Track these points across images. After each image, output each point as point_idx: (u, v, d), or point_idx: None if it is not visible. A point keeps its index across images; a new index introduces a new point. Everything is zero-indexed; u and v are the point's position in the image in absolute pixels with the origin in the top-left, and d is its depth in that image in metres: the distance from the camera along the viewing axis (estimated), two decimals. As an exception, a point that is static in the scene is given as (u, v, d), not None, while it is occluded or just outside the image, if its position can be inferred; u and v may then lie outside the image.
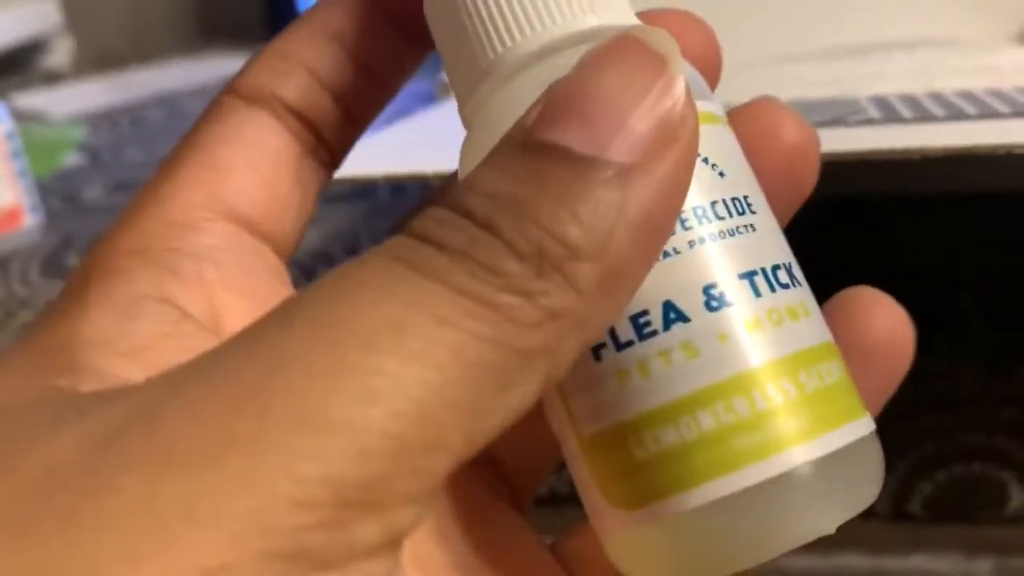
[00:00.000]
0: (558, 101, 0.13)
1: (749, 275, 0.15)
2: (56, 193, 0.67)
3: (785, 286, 0.16)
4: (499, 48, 0.16)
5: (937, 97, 0.32)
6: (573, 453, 0.16)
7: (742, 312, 0.15)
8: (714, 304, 0.15)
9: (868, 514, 0.30)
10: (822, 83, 0.37)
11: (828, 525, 0.15)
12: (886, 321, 0.18)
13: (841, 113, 0.31)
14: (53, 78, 0.98)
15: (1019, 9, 0.49)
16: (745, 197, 0.16)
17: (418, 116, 0.40)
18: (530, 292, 0.13)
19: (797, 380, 0.15)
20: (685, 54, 0.17)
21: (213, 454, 0.11)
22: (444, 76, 0.19)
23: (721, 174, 0.16)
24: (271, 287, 0.17)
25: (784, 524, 0.15)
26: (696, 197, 0.15)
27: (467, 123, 0.17)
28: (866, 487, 0.16)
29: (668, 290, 0.15)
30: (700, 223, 0.15)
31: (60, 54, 1.03)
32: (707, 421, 0.15)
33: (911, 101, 0.32)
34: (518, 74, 0.16)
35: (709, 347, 0.15)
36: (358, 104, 0.18)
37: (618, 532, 0.15)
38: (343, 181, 0.22)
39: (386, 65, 0.18)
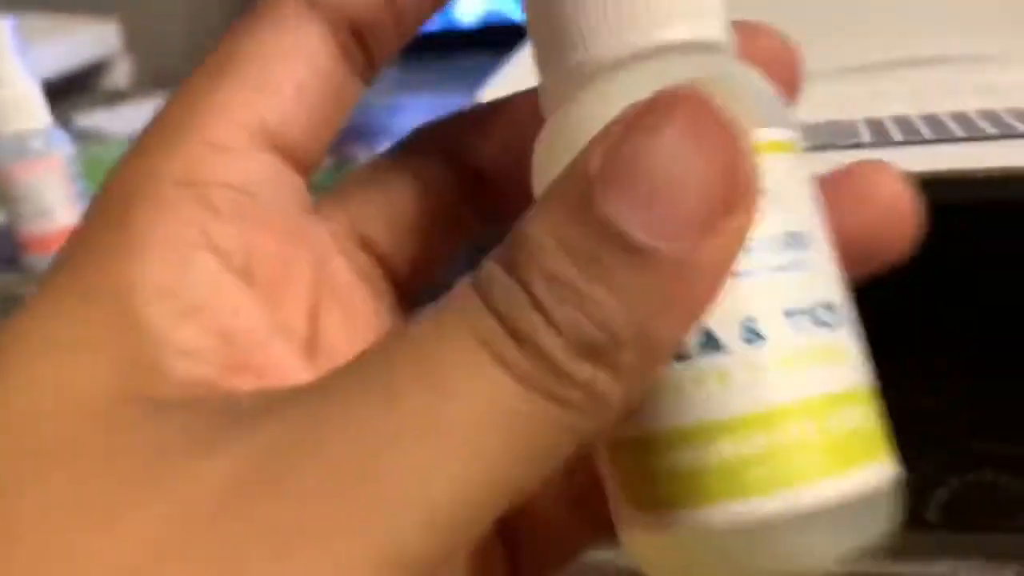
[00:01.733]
0: (620, 163, 0.14)
1: (790, 313, 0.15)
2: (116, 211, 0.69)
3: (826, 326, 0.16)
4: (588, 49, 0.16)
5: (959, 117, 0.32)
6: (599, 449, 0.17)
7: (777, 349, 0.15)
8: (751, 337, 0.15)
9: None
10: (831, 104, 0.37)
11: (827, 564, 0.15)
12: (889, 188, 0.18)
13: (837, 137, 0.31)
14: (114, 97, 1.01)
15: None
16: (801, 232, 0.16)
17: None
18: (580, 382, 0.14)
19: (820, 421, 0.15)
20: (769, 71, 0.17)
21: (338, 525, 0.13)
22: (482, 92, 0.19)
23: (780, 207, 0.16)
24: (298, 224, 0.18)
25: (784, 556, 0.15)
26: None
27: (545, 107, 0.17)
28: (875, 530, 0.16)
29: (709, 317, 0.15)
30: (750, 255, 0.15)
31: (120, 75, 1.06)
32: (726, 450, 0.15)
33: (933, 121, 0.32)
34: (603, 77, 0.16)
35: (740, 378, 0.15)
36: (410, 14, 0.18)
37: (628, 525, 0.17)
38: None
39: None
